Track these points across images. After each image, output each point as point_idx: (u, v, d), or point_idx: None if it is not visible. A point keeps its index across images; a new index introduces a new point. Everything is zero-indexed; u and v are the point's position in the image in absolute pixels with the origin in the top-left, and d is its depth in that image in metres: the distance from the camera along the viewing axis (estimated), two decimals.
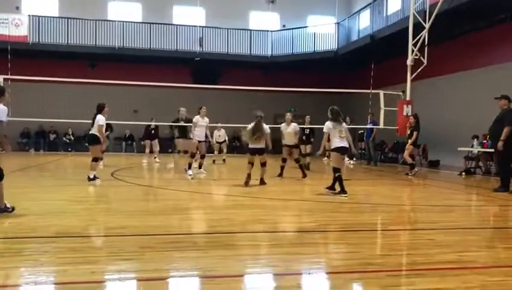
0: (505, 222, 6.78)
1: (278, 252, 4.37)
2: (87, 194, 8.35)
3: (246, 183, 9.28)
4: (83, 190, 8.66)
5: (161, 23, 22.34)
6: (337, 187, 8.35)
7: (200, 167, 11.95)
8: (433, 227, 5.71)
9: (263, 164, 9.73)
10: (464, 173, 13.27)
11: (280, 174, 11.40)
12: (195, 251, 4.29)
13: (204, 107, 11.94)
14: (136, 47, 21.70)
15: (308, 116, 14.79)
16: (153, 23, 22.19)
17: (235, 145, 23.37)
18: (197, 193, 8.67)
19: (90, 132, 9.85)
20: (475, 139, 13.68)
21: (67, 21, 21.37)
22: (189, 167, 11.35)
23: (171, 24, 22.88)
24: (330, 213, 6.76)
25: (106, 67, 21.58)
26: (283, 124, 11.77)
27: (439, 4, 12.79)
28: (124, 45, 21.64)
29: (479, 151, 13.54)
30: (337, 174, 8.26)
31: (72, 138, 22.72)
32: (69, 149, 22.41)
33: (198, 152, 11.80)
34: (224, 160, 16.90)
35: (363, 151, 19.19)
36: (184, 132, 12.42)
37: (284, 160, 11.53)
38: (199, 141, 11.61)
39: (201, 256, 4.07)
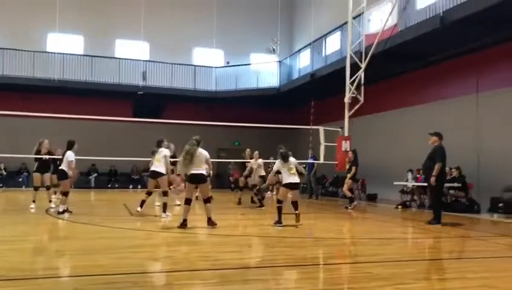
0: (438, 253, 7.09)
1: None
2: (15, 233, 7.89)
3: (182, 226, 8.20)
4: (13, 228, 8.19)
5: (103, 56, 22.04)
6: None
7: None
8: (372, 260, 5.89)
9: (206, 200, 8.54)
10: (400, 206, 13.82)
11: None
12: None
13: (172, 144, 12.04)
14: (76, 79, 21.20)
15: (248, 150, 14.91)
16: (94, 56, 21.84)
17: None
18: (137, 230, 8.44)
19: (60, 167, 10.40)
20: (409, 173, 14.34)
21: (3, 52, 20.59)
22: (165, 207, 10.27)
23: (113, 57, 22.63)
24: (272, 248, 6.80)
25: (43, 100, 20.82)
26: (252, 160, 13.27)
27: (373, 46, 13.56)
28: (64, 77, 21.08)
29: (413, 185, 14.19)
30: (277, 205, 8.92)
31: (4, 173, 21.51)
32: (0, 185, 21.18)
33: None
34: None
35: (305, 185, 19.55)
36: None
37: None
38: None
39: None
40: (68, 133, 20.79)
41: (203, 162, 8.36)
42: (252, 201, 13.51)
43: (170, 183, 11.06)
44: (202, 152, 8.41)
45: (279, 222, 8.78)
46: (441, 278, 5.08)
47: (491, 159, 12.49)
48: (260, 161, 13.22)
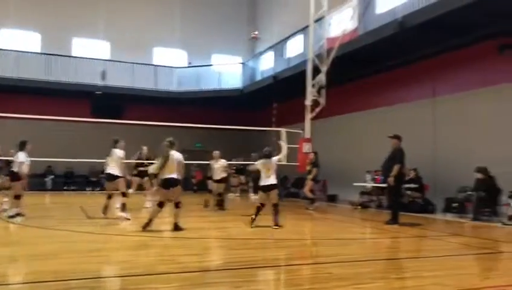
0: (395, 253, 7.27)
1: None
2: None
3: (146, 226, 8.12)
4: None
5: (60, 55, 21.39)
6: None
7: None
8: (331, 260, 5.97)
9: (177, 204, 8.30)
10: (359, 207, 14.09)
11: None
12: None
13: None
14: (32, 78, 20.47)
15: (217, 152, 14.84)
16: (51, 54, 21.16)
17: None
18: (94, 233, 8.22)
19: (11, 169, 9.94)
20: (368, 174, 14.64)
21: None
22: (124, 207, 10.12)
23: (71, 56, 22.02)
24: (235, 250, 6.78)
25: None
26: (212, 161, 12.96)
27: (334, 50, 13.78)
28: (19, 75, 20.32)
29: (372, 186, 14.49)
30: (257, 205, 9.26)
31: None
32: None
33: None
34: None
35: None
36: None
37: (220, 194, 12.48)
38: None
39: None
40: (23, 133, 20.07)
41: (175, 166, 8.23)
42: (218, 204, 13.36)
43: (128, 185, 10.85)
44: (175, 155, 8.28)
45: (254, 220, 9.04)
46: (398, 277, 5.20)
47: (447, 160, 12.93)
48: (222, 161, 13.06)
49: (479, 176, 11.11)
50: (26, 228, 8.72)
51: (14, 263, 5.44)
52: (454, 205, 11.94)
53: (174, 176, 8.21)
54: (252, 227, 8.89)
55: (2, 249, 6.54)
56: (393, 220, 9.91)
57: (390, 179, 9.82)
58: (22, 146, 10.01)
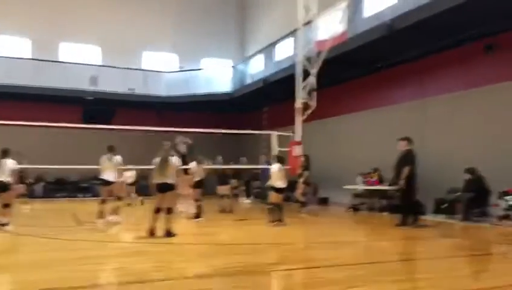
0: (388, 255, 7.29)
1: None
2: None
3: (150, 234, 8.06)
4: None
5: (50, 60, 21.24)
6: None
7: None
8: (324, 264, 6.00)
9: (169, 210, 8.27)
10: (350, 210, 14.14)
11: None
12: None
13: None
14: (21, 84, 20.30)
15: (219, 157, 14.97)
16: (40, 60, 21.01)
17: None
18: (87, 241, 8.17)
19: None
20: (359, 176, 14.67)
21: None
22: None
23: (61, 62, 21.89)
24: (226, 256, 6.78)
25: None
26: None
27: (323, 53, 13.84)
28: (9, 82, 20.13)
29: (363, 189, 14.54)
30: (269, 207, 10.24)
31: None
32: None
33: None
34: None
35: (259, 190, 19.64)
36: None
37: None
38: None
39: None
40: (13, 140, 19.90)
41: (172, 171, 8.29)
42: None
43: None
44: (172, 160, 8.40)
45: (273, 221, 9.98)
46: (391, 280, 5.21)
47: (436, 161, 13.01)
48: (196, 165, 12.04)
49: (468, 176, 11.21)
50: (18, 237, 8.64)
51: (6, 272, 5.39)
52: (444, 206, 12.02)
53: (171, 181, 8.26)
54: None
55: None
56: (404, 222, 9.94)
57: (401, 182, 9.87)
58: (6, 154, 9.65)
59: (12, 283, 4.84)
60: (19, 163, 10.21)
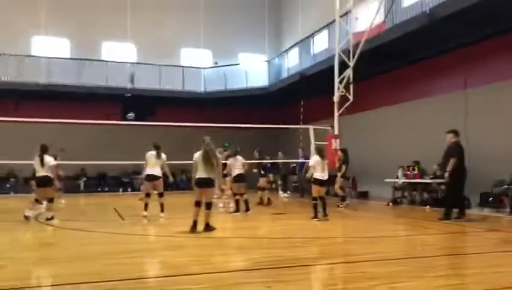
0: (431, 250, 7.08)
1: None
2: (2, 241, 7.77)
3: (193, 229, 8.08)
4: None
5: (90, 59, 21.82)
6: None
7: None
8: (364, 259, 5.88)
9: (208, 205, 8.27)
10: (391, 203, 13.87)
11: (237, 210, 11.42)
12: None
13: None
14: (63, 83, 20.97)
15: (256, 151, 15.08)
16: (81, 59, 21.62)
17: (169, 182, 23.12)
18: (129, 234, 8.35)
19: (41, 174, 9.77)
20: (400, 169, 14.36)
21: None
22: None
23: (100, 60, 22.45)
24: (265, 249, 6.77)
25: (30, 105, 20.55)
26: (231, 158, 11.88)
27: (361, 44, 13.58)
28: (50, 81, 20.84)
29: (404, 182, 14.22)
30: (313, 202, 10.00)
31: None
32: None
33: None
34: None
35: (296, 184, 19.58)
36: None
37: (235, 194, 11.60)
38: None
39: None
40: (58, 138, 20.60)
41: (214, 166, 8.26)
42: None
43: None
44: (215, 154, 8.47)
45: (315, 217, 9.90)
46: (435, 276, 5.04)
47: (480, 154, 12.56)
48: (238, 158, 11.82)
49: None
50: (63, 230, 8.93)
51: (52, 265, 5.57)
52: (490, 199, 11.61)
53: (212, 176, 8.27)
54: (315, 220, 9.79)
55: (42, 252, 6.71)
56: (447, 216, 9.73)
57: (446, 175, 9.69)
58: (46, 150, 9.91)
59: (59, 276, 4.99)
60: (61, 159, 10.59)
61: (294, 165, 18.81)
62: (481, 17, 11.39)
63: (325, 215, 10.02)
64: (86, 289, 4.38)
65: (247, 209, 11.41)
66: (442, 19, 11.72)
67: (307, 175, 10.84)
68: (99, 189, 22.16)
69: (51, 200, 9.97)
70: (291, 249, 6.85)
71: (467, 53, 13.49)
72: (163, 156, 10.64)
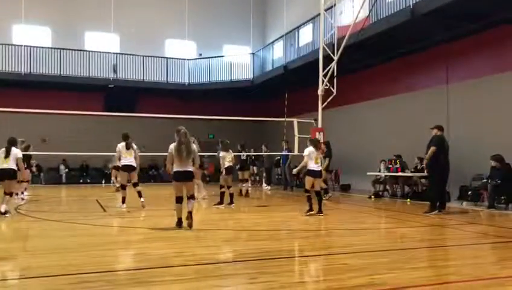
0: (411, 243, 7.20)
1: (196, 287, 4.29)
2: None
3: (178, 225, 7.70)
4: None
5: (72, 49, 21.48)
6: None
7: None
8: (346, 251, 5.96)
9: (191, 197, 7.82)
10: (373, 197, 14.03)
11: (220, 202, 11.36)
12: None
13: None
14: (45, 73, 20.64)
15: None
16: (63, 49, 21.28)
17: (152, 174, 23.01)
18: (110, 226, 8.31)
19: (4, 166, 9.32)
20: (382, 163, 14.53)
21: None
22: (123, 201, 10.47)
23: (83, 50, 22.11)
24: (248, 242, 6.80)
25: (11, 94, 20.19)
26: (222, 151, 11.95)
27: (345, 38, 13.64)
28: (31, 70, 20.50)
29: (386, 176, 14.40)
30: (306, 194, 9.73)
31: None
32: None
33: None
34: None
35: (280, 177, 19.67)
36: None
37: (222, 186, 11.58)
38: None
39: None
40: (37, 128, 20.25)
41: (191, 158, 7.76)
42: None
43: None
44: (193, 146, 7.89)
45: (310, 210, 9.66)
46: (414, 267, 5.14)
47: (460, 148, 12.78)
48: (230, 151, 12.01)
49: (495, 164, 10.99)
50: (44, 222, 8.84)
51: (35, 257, 5.52)
52: (469, 193, 11.83)
53: (191, 168, 7.80)
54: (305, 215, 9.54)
55: (21, 243, 6.64)
56: (431, 209, 9.87)
57: (424, 162, 9.93)
58: (15, 142, 9.67)
59: (42, 268, 4.95)
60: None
61: (278, 158, 18.89)
62: (462, 13, 11.54)
63: (320, 211, 9.62)
64: (62, 281, 4.34)
65: (231, 203, 11.39)
66: (425, 14, 11.85)
67: (294, 171, 10.81)
68: (82, 181, 21.95)
69: (10, 194, 9.54)
70: (274, 241, 6.91)
71: (449, 49, 13.67)
72: (134, 146, 10.71)
